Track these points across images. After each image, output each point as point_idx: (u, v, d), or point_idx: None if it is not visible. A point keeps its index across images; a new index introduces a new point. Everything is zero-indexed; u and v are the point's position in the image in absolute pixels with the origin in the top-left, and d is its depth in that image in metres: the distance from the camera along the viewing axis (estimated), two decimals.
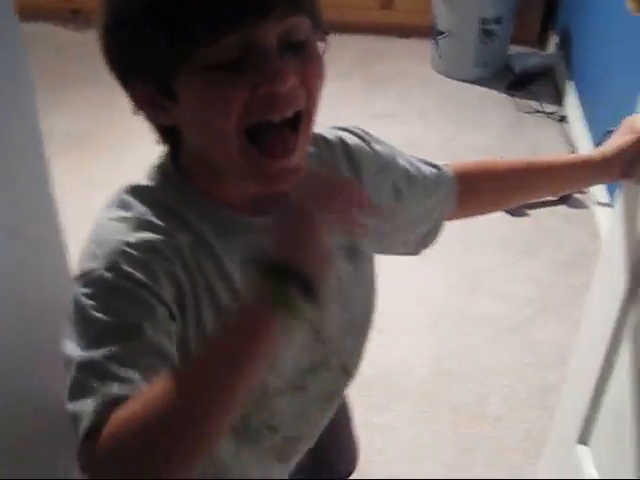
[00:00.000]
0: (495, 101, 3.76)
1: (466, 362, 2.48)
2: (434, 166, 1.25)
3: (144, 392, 0.79)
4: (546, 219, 3.06)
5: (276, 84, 0.85)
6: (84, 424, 0.79)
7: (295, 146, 0.91)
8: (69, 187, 3.12)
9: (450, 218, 1.30)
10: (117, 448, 0.76)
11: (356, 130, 1.16)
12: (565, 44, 3.83)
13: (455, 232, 2.94)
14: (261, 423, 1.12)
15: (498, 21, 3.79)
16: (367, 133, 1.17)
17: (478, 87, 3.86)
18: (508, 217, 3.03)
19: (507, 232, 3.00)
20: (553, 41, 4.05)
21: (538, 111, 3.69)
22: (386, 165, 1.17)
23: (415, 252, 1.31)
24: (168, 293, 0.91)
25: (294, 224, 0.83)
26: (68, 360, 0.85)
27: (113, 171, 3.26)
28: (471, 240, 2.93)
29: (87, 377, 0.82)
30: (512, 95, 3.79)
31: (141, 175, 1.02)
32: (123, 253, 0.90)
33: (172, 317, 0.91)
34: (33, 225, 1.72)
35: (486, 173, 1.31)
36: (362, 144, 1.15)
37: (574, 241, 2.97)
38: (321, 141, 1.10)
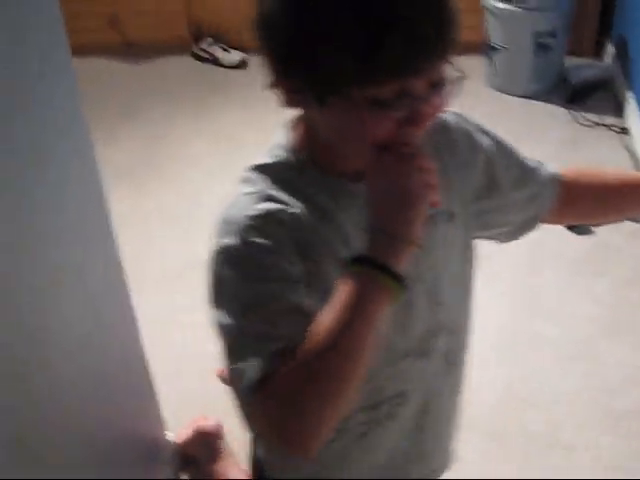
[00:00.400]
0: (553, 115, 3.69)
1: (533, 388, 2.42)
2: (538, 162, 1.30)
3: (299, 350, 0.94)
4: (609, 235, 2.98)
5: (419, 127, 0.98)
6: (254, 376, 0.95)
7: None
8: (127, 219, 3.14)
9: (547, 219, 1.32)
10: (290, 393, 0.93)
11: (451, 109, 1.21)
12: (622, 54, 3.75)
13: (516, 252, 2.90)
14: (393, 389, 1.20)
15: (552, 34, 3.73)
16: (462, 115, 1.24)
17: (535, 102, 3.80)
18: (569, 234, 2.95)
19: (569, 250, 2.93)
20: (610, 51, 3.97)
21: (598, 124, 3.61)
22: (479, 143, 1.22)
23: (514, 237, 1.33)
24: (294, 255, 1.03)
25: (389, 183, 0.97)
26: (221, 328, 1.02)
27: (169, 201, 3.29)
28: (533, 260, 2.87)
29: (243, 340, 0.99)
30: (570, 109, 3.71)
31: (262, 153, 1.13)
32: (250, 226, 1.02)
33: (301, 276, 1.03)
34: (97, 264, 1.72)
35: (595, 180, 1.31)
36: (457, 122, 1.22)
37: (638, 257, 2.89)
38: None
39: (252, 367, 0.96)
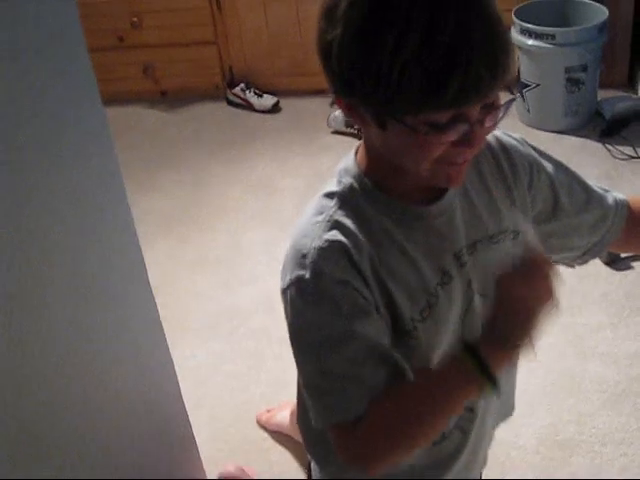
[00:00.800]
0: (588, 150, 3.67)
1: (579, 430, 2.37)
2: (604, 188, 1.33)
3: (383, 398, 1.05)
4: None
5: (474, 148, 1.02)
6: (343, 418, 1.07)
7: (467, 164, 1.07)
8: (166, 267, 3.16)
9: (614, 246, 1.33)
10: (374, 437, 1.07)
11: (513, 134, 1.26)
12: None
13: (559, 292, 2.85)
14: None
15: (584, 69, 3.72)
16: (524, 139, 1.26)
17: (570, 137, 3.77)
18: (610, 272, 2.92)
19: (610, 288, 2.89)
20: None
21: (633, 157, 3.58)
22: (542, 166, 1.24)
23: (580, 262, 1.34)
24: (363, 285, 1.06)
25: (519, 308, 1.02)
26: (304, 366, 1.10)
27: (207, 249, 3.30)
28: (575, 299, 2.83)
29: (330, 380, 1.07)
30: (605, 142, 3.69)
31: (330, 180, 1.16)
32: (320, 256, 1.05)
33: (370, 300, 1.07)
34: (134, 318, 1.73)
35: None
36: (517, 144, 1.24)
37: None
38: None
39: (343, 408, 1.06)
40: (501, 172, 1.21)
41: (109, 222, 1.61)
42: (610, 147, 3.66)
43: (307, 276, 1.05)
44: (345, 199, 1.11)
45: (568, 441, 2.34)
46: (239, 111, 4.29)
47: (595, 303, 2.84)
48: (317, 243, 1.06)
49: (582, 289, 2.87)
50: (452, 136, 0.99)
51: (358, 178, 1.12)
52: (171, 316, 1.91)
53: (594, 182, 1.31)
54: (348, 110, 1.05)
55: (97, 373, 1.55)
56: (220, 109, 4.33)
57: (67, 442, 1.43)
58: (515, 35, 3.74)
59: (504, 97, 1.02)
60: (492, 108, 1.01)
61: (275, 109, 4.25)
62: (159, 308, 1.84)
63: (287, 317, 1.10)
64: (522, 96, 3.85)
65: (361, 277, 1.06)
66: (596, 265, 1.37)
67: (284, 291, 1.09)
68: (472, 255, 1.16)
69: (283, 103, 4.23)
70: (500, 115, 1.02)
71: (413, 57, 0.92)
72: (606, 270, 2.90)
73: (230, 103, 4.34)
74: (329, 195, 1.12)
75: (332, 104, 1.07)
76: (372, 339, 1.06)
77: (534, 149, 1.26)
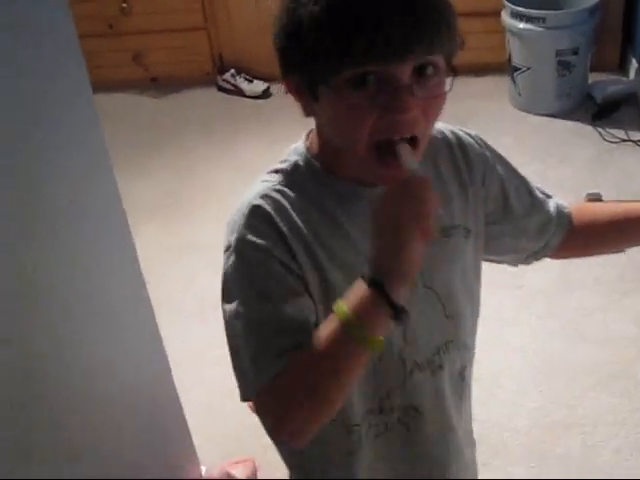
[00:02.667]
0: (579, 133, 3.67)
1: (572, 412, 2.38)
2: (547, 194, 1.32)
3: (296, 358, 1.01)
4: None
5: (402, 114, 0.99)
6: (250, 388, 1.05)
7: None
8: (157, 252, 3.16)
9: (557, 255, 1.33)
10: (291, 394, 1.02)
11: (470, 132, 1.26)
12: None
13: (550, 276, 2.86)
14: (405, 399, 1.21)
15: (575, 52, 3.71)
16: (480, 138, 1.26)
17: (561, 120, 3.77)
18: (602, 255, 2.92)
19: (602, 271, 2.89)
20: (634, 66, 3.94)
21: (624, 140, 3.58)
22: (494, 167, 1.25)
23: (524, 263, 1.34)
24: (286, 255, 1.06)
25: (390, 229, 0.98)
26: (227, 321, 1.07)
27: (198, 233, 3.30)
28: (566, 283, 2.84)
29: (237, 345, 1.06)
30: (596, 125, 3.69)
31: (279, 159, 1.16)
32: (244, 223, 1.06)
33: (296, 276, 1.07)
34: (124, 300, 1.73)
35: (602, 215, 1.31)
36: (473, 141, 1.24)
37: None
38: (440, 137, 1.20)
39: (266, 368, 1.03)
40: (457, 168, 1.20)
41: (99, 209, 1.60)
42: (601, 130, 3.66)
43: (233, 241, 1.07)
44: (288, 175, 1.12)
45: (559, 422, 2.35)
46: (230, 97, 4.27)
47: (587, 286, 2.85)
48: (245, 210, 1.08)
49: (574, 272, 2.87)
50: (374, 97, 0.98)
51: (304, 157, 1.13)
52: (160, 301, 1.91)
53: (537, 186, 1.31)
54: (293, 92, 1.07)
55: (89, 365, 1.55)
56: (211, 95, 4.31)
57: (61, 437, 1.43)
58: (506, 18, 3.74)
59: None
60: (425, 77, 1.00)
61: (265, 94, 4.23)
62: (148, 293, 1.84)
63: (222, 280, 1.10)
64: (513, 80, 3.84)
65: (286, 247, 1.06)
66: None
67: (223, 254, 1.10)
68: None
69: (273, 88, 4.22)
70: (440, 89, 1.02)
71: (324, 13, 0.97)
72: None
73: (220, 89, 4.32)
74: (274, 171, 1.13)
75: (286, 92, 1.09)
76: (286, 310, 1.04)
77: (488, 148, 1.26)
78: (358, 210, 1.10)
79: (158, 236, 3.29)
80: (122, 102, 4.29)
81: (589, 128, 3.69)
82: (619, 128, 3.65)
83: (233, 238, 1.07)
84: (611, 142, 3.59)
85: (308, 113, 1.08)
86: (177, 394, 2.03)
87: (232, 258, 1.07)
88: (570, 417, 2.36)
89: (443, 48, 1.00)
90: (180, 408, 2.06)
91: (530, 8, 3.65)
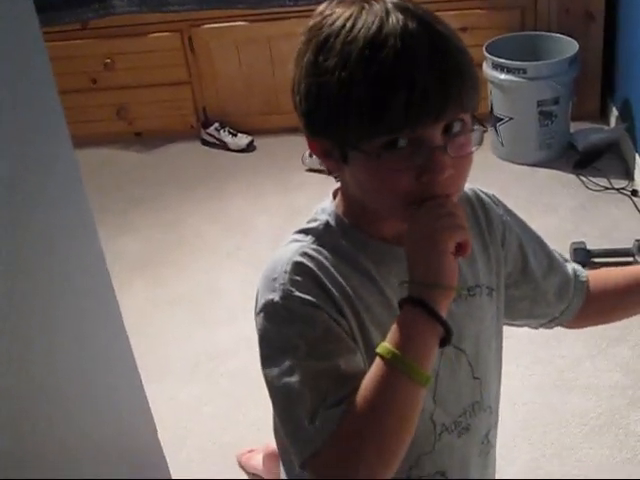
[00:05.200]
0: (562, 182, 3.69)
1: (562, 463, 2.35)
2: (564, 257, 1.32)
3: (346, 416, 0.97)
4: None
5: (438, 175, 0.98)
6: (312, 446, 0.99)
7: None
8: (143, 308, 3.13)
9: (576, 322, 1.34)
10: (344, 457, 0.97)
11: (487, 191, 1.26)
12: (627, 116, 3.76)
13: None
14: (433, 466, 1.18)
15: (556, 101, 3.75)
16: (497, 197, 1.27)
17: (543, 170, 3.79)
18: None
19: None
20: (614, 114, 3.98)
21: (607, 188, 3.60)
22: (512, 227, 1.24)
23: (547, 327, 1.36)
24: (334, 310, 1.04)
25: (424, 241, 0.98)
26: (271, 388, 1.04)
27: (184, 289, 3.27)
28: (553, 332, 2.81)
29: (293, 403, 1.01)
30: (579, 174, 3.71)
31: (307, 219, 1.16)
32: (290, 279, 1.04)
33: (346, 332, 1.05)
34: (107, 357, 1.70)
35: (609, 283, 1.30)
36: (492, 203, 1.24)
37: None
38: (462, 196, 1.19)
39: (321, 426, 0.99)
40: (479, 227, 1.20)
41: (81, 266, 1.58)
42: (584, 179, 3.68)
43: (276, 299, 1.04)
44: (320, 235, 1.11)
45: (551, 475, 2.31)
46: (214, 150, 4.28)
47: (573, 335, 2.83)
48: (286, 267, 1.05)
49: None
50: (409, 160, 0.98)
51: (335, 217, 1.12)
52: (149, 358, 1.89)
53: (553, 249, 1.31)
54: (320, 153, 1.06)
55: (72, 418, 1.52)
56: (195, 149, 4.32)
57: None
58: (487, 70, 3.78)
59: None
60: (455, 135, 1.00)
61: (249, 148, 4.24)
62: (136, 350, 1.82)
63: (259, 342, 1.08)
64: (496, 130, 3.87)
65: (332, 303, 1.05)
66: None
67: (256, 316, 1.08)
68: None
69: (257, 142, 4.23)
70: (470, 145, 1.02)
71: (355, 77, 0.95)
72: None
73: (204, 143, 4.33)
74: (304, 231, 1.12)
75: (311, 155, 1.10)
76: (341, 365, 1.02)
77: (504, 208, 1.26)
78: (392, 269, 1.10)
79: (143, 292, 3.27)
80: (106, 157, 4.29)
81: (572, 177, 3.71)
82: (602, 176, 3.66)
83: (276, 296, 1.05)
84: (594, 190, 3.60)
85: (335, 173, 1.08)
86: (163, 454, 1.99)
87: (274, 316, 1.05)
88: (561, 468, 2.33)
89: (471, 104, 1.01)
90: (166, 467, 2.02)
91: (511, 59, 3.70)
